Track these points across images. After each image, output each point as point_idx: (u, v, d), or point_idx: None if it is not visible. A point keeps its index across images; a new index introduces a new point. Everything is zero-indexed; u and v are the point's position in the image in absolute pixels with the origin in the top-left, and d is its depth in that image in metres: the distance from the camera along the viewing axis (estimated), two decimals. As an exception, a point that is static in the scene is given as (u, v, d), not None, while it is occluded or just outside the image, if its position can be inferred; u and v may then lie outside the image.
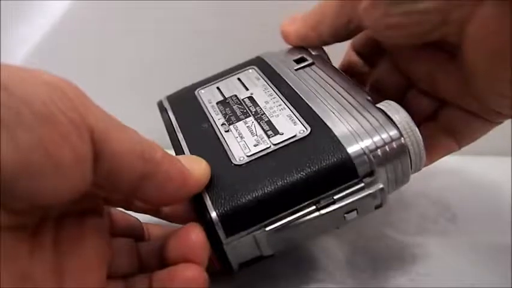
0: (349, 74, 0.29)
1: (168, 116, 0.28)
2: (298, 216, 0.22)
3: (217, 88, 0.29)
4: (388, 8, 0.23)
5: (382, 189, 0.22)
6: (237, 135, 0.25)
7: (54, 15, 0.40)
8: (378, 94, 0.25)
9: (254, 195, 0.21)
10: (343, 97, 0.25)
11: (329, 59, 0.30)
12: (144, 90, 0.39)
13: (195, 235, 0.21)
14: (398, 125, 0.23)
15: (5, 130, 0.15)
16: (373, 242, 0.30)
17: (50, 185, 0.17)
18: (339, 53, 0.32)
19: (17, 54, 0.39)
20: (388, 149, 0.22)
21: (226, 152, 0.24)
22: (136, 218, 0.26)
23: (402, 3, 0.22)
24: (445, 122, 0.27)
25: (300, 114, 0.25)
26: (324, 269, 0.28)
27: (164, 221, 0.26)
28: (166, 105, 0.29)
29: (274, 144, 0.23)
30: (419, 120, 0.26)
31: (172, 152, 0.23)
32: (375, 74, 0.30)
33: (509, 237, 0.28)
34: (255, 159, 0.23)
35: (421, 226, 0.31)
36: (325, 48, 0.30)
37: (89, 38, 0.41)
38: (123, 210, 0.26)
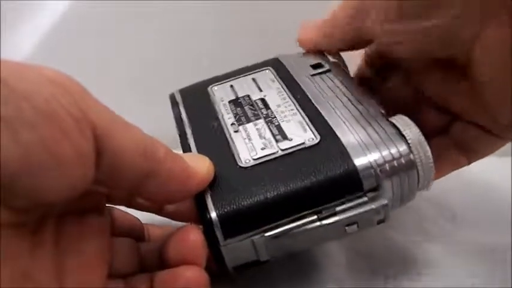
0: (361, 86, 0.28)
1: (179, 110, 0.28)
2: (299, 225, 0.21)
3: (231, 86, 0.29)
4: (395, 26, 0.23)
5: (385, 205, 0.22)
6: (246, 137, 0.24)
7: (54, 15, 0.40)
8: (389, 107, 0.25)
9: (256, 200, 0.21)
10: (356, 108, 0.25)
11: (346, 67, 0.29)
12: (144, 90, 0.40)
13: (193, 236, 0.21)
14: (409, 141, 0.22)
15: (6, 127, 0.15)
16: (373, 242, 0.30)
17: (51, 182, 0.16)
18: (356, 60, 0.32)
19: (17, 54, 0.39)
20: (396, 164, 0.22)
21: (233, 153, 0.24)
22: (137, 218, 0.26)
23: (409, 21, 0.22)
24: (456, 136, 0.27)
25: (310, 122, 0.24)
26: (324, 270, 0.28)
27: (167, 219, 0.26)
28: (178, 98, 0.29)
29: (282, 150, 0.23)
30: (430, 134, 0.26)
31: (174, 150, 0.23)
32: (387, 87, 0.30)
33: (509, 237, 0.28)
34: (261, 163, 0.23)
35: (420, 226, 0.31)
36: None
37: (89, 37, 0.40)
38: (124, 208, 0.26)
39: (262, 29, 0.38)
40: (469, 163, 0.27)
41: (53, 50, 0.40)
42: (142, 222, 0.26)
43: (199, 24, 0.40)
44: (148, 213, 0.26)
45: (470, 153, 0.26)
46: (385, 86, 0.30)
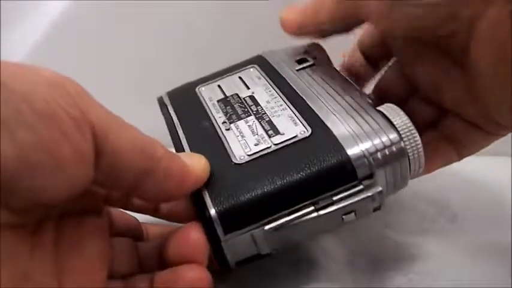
0: (351, 74, 0.29)
1: (169, 112, 0.28)
2: (297, 216, 0.22)
3: (218, 86, 0.29)
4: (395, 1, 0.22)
5: (380, 192, 0.22)
6: (238, 134, 0.25)
7: (54, 15, 0.40)
8: (381, 99, 0.25)
9: (253, 194, 0.21)
10: (344, 99, 0.25)
11: (330, 61, 0.30)
12: (144, 89, 0.39)
13: (194, 235, 0.21)
14: (399, 129, 0.23)
15: (5, 128, 0.15)
16: (372, 242, 0.30)
17: (51, 182, 0.17)
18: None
19: (17, 54, 0.39)
20: (387, 152, 0.22)
21: (226, 150, 0.24)
22: (135, 218, 0.26)
23: None
24: (446, 131, 0.27)
25: (301, 115, 0.25)
26: (323, 269, 0.28)
27: (163, 220, 0.26)
28: (167, 101, 0.29)
29: (275, 144, 0.23)
30: (421, 128, 0.26)
31: (172, 150, 0.23)
32: (380, 79, 0.30)
33: (509, 237, 0.28)
34: (256, 158, 0.23)
35: (420, 226, 0.31)
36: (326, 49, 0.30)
37: (89, 37, 0.41)
38: (122, 210, 0.26)
39: (263, 29, 0.37)
40: (460, 159, 0.27)
41: (53, 50, 0.40)
42: (140, 221, 0.26)
43: (199, 23, 0.40)
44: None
45: (459, 148, 0.27)
46: (378, 78, 0.30)
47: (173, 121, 0.27)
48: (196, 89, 0.29)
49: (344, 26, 0.26)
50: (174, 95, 0.30)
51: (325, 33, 0.28)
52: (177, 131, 0.26)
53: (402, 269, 0.27)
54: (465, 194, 0.33)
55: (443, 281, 0.27)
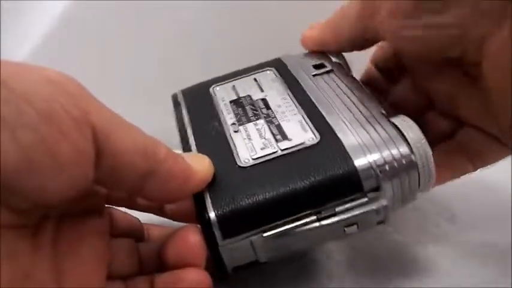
0: (368, 89, 0.28)
1: (181, 110, 0.28)
2: (298, 225, 0.21)
3: (233, 87, 0.29)
4: (406, 21, 0.22)
5: (385, 206, 0.22)
6: (245, 137, 0.24)
7: (54, 15, 0.40)
8: (396, 112, 0.24)
9: (255, 200, 0.21)
10: (358, 108, 0.24)
11: (349, 67, 0.29)
12: (144, 89, 0.40)
13: (192, 237, 0.21)
14: (410, 142, 0.22)
15: (5, 128, 0.15)
16: (373, 242, 0.29)
17: (51, 182, 0.16)
18: (361, 62, 0.31)
19: (17, 54, 0.39)
20: (396, 165, 0.22)
21: (232, 152, 0.24)
22: (137, 218, 0.26)
23: (420, 17, 0.22)
24: (462, 142, 0.26)
25: (311, 122, 0.24)
26: (323, 269, 0.28)
27: (167, 219, 0.26)
28: (180, 98, 0.29)
29: (282, 150, 0.23)
30: (436, 139, 0.26)
31: (177, 150, 0.23)
32: (395, 92, 0.29)
33: (509, 237, 0.28)
34: (261, 162, 0.23)
35: (421, 227, 0.31)
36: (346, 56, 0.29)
37: (89, 37, 0.40)
38: (124, 209, 0.25)
39: (265, 29, 0.38)
40: (475, 169, 0.27)
41: (53, 50, 0.40)
42: (142, 222, 0.26)
43: (201, 23, 0.40)
44: (148, 213, 0.26)
45: (475, 159, 0.26)
46: (393, 90, 0.29)
47: (183, 120, 0.27)
48: (211, 89, 0.29)
49: (361, 44, 0.27)
50: (188, 93, 0.30)
51: (343, 50, 0.28)
52: (186, 129, 0.26)
53: (402, 269, 0.27)
54: (465, 194, 0.33)
55: (444, 282, 0.26)
